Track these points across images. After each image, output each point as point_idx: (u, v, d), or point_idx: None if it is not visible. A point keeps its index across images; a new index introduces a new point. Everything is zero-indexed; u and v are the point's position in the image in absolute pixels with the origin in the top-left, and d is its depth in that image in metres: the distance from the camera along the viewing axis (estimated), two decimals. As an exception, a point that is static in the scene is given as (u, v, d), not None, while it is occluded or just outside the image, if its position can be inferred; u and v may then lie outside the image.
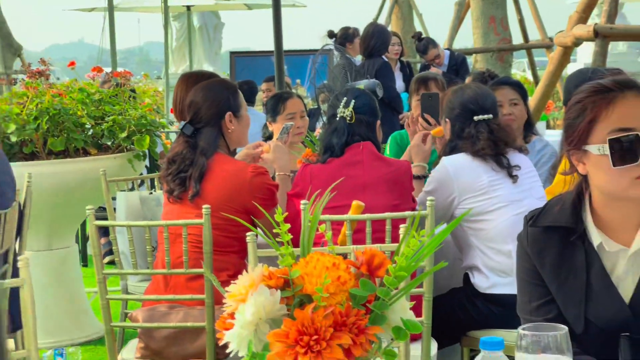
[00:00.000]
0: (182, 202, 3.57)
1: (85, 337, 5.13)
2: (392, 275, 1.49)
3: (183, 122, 3.65)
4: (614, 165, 2.10)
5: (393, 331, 1.51)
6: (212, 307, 3.26)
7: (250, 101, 8.37)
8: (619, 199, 2.16)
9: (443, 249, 3.89)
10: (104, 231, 6.52)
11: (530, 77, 14.40)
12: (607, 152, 2.10)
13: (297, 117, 4.78)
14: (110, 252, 6.25)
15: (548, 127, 8.73)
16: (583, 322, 2.21)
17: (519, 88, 4.46)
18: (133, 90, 5.69)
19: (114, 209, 4.64)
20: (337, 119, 3.65)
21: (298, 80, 10.54)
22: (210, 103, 3.62)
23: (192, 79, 4.01)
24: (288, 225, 1.53)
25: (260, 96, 9.26)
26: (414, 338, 3.28)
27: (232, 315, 1.50)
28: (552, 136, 6.46)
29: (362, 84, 5.57)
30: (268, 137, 5.51)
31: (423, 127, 4.26)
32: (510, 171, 3.61)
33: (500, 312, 3.49)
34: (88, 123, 5.00)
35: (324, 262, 1.49)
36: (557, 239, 2.25)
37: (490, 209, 3.58)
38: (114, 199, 4.67)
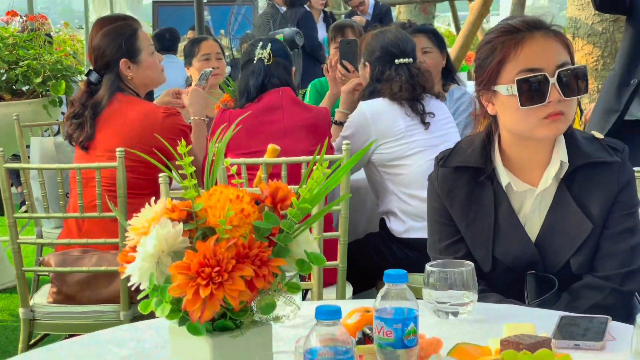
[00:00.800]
0: (90, 146, 3.53)
1: (0, 285, 5.04)
2: (296, 208, 1.49)
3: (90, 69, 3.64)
4: (522, 106, 2.12)
5: (297, 264, 1.51)
6: (127, 251, 3.22)
7: (172, 49, 8.26)
8: (526, 139, 2.19)
9: (361, 195, 3.91)
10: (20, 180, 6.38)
11: (453, 31, 14.46)
12: (516, 92, 2.13)
13: (213, 58, 4.80)
14: (26, 200, 6.11)
15: (469, 78, 8.79)
16: (491, 260, 2.24)
17: (434, 36, 4.43)
18: (49, 35, 5.54)
19: (29, 156, 4.54)
20: (255, 62, 3.62)
21: (222, 31, 10.40)
22: (104, 49, 3.59)
23: (105, 24, 3.92)
24: (191, 158, 1.51)
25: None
26: (329, 282, 3.29)
27: (134, 249, 1.48)
28: (473, 86, 6.47)
29: (281, 32, 5.52)
30: (190, 85, 5.46)
31: (341, 73, 4.25)
32: (423, 117, 3.62)
33: (416, 256, 3.51)
34: (1, 68, 4.86)
35: (227, 194, 1.47)
36: (467, 179, 2.27)
37: (407, 154, 3.60)
38: (28, 146, 4.57)
